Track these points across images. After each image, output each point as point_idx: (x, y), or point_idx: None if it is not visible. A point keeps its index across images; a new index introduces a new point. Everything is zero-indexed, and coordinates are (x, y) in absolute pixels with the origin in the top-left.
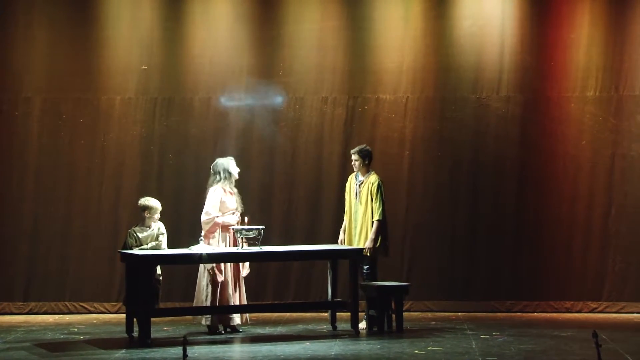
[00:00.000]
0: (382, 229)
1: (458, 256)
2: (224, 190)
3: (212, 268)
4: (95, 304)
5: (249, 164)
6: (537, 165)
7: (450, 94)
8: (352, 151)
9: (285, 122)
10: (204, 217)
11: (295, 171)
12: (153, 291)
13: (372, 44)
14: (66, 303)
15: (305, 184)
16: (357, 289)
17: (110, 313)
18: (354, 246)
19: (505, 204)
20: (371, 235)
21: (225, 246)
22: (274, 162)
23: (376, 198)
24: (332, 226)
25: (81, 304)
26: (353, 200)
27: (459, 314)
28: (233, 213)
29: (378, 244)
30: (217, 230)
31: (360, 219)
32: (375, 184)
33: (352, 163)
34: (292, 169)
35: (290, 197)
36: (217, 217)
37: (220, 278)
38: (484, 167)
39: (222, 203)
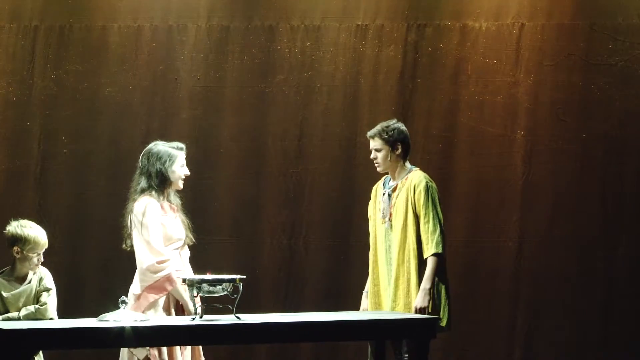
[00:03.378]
0: (441, 273)
1: (601, 327)
2: (160, 206)
3: (147, 355)
4: None
5: (217, 158)
6: None
7: (607, 20)
8: (369, 134)
9: (288, 75)
10: (148, 262)
11: (305, 169)
12: None
13: None
14: None
15: (323, 189)
16: None
17: None
18: (386, 310)
19: None
20: (424, 284)
21: (173, 312)
22: (266, 156)
23: (426, 214)
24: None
25: None
26: (380, 227)
27: None
28: (179, 248)
29: (438, 302)
30: (170, 287)
31: (395, 256)
32: (422, 188)
33: (372, 156)
34: (301, 164)
35: (294, 218)
36: (169, 259)
37: None
38: None
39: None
